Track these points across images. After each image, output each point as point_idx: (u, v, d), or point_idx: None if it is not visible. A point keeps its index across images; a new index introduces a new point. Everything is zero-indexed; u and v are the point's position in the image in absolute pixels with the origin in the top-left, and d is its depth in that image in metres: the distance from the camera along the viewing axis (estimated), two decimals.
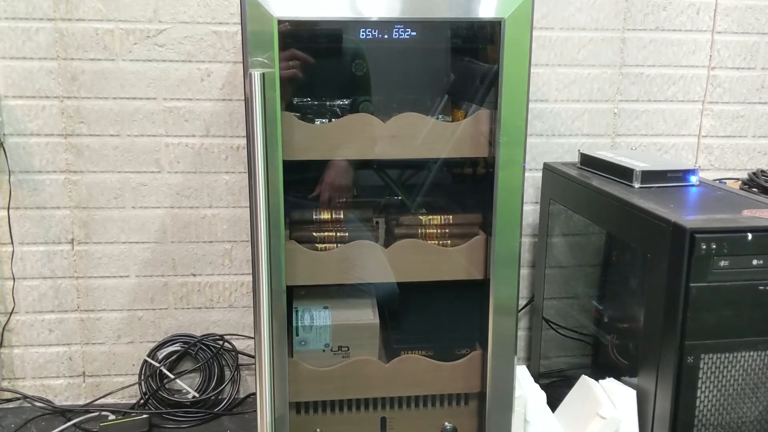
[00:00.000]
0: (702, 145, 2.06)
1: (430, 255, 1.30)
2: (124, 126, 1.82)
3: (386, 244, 1.32)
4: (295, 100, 1.41)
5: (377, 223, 1.37)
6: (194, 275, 1.93)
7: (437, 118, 1.30)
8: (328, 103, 1.44)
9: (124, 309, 1.93)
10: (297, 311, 1.31)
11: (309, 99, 1.41)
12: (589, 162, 1.79)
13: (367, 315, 1.31)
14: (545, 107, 1.97)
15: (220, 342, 1.95)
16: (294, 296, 1.33)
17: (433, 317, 1.40)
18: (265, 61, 1.14)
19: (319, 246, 1.29)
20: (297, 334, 1.30)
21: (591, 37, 1.94)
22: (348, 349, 1.31)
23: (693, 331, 1.31)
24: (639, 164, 1.62)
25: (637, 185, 1.59)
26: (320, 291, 1.33)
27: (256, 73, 1.08)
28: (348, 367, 1.31)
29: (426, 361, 1.35)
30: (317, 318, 1.29)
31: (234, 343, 1.97)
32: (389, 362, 1.34)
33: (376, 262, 1.27)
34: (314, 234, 1.29)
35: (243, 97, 1.15)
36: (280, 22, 1.13)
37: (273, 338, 1.19)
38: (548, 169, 1.85)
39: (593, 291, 1.94)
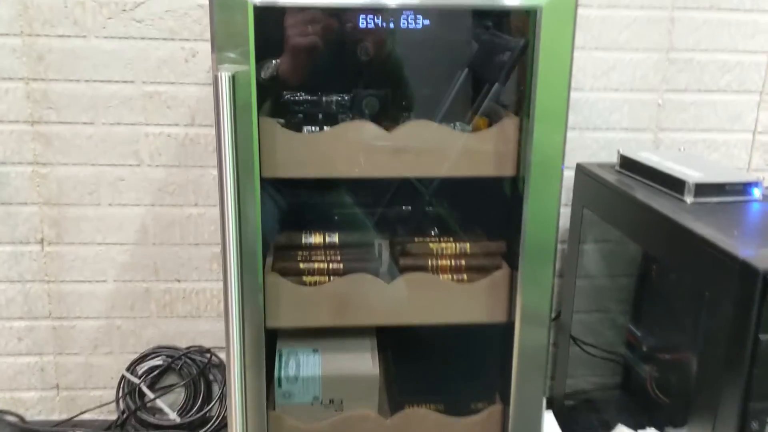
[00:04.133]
0: (758, 143, 1.80)
1: (442, 293, 1.07)
2: (99, 112, 1.61)
3: (390, 277, 1.09)
4: (285, 94, 1.17)
5: (380, 246, 1.14)
6: (179, 281, 1.73)
7: (454, 127, 1.05)
8: (324, 98, 1.20)
9: (101, 317, 1.74)
10: (281, 356, 1.09)
11: (301, 93, 1.17)
12: (630, 166, 1.54)
13: (365, 363, 1.09)
14: (579, 97, 1.71)
15: (208, 355, 1.75)
16: (278, 334, 1.11)
17: (445, 364, 1.18)
18: (238, 57, 0.90)
19: (308, 279, 1.06)
20: (280, 386, 1.08)
21: (635, 17, 1.68)
22: (342, 402, 1.09)
23: (761, 391, 1.08)
24: (692, 174, 1.37)
25: (689, 200, 1.34)
26: (310, 329, 1.11)
27: (224, 75, 0.84)
28: (341, 423, 1.09)
29: (436, 416, 1.13)
30: (305, 365, 1.07)
31: (222, 356, 1.76)
32: (391, 417, 1.12)
33: (377, 300, 1.05)
34: (302, 265, 1.07)
35: None
36: (257, 8, 0.89)
37: (248, 392, 0.98)
38: (582, 172, 1.61)
39: (627, 311, 1.72)
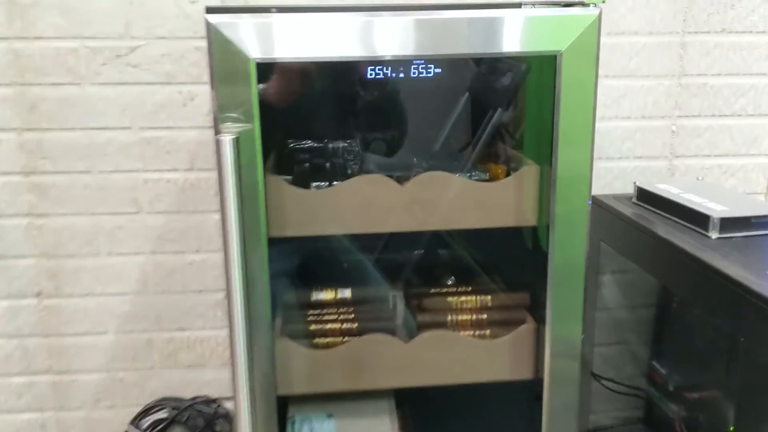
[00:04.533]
0: None
1: (464, 351, 1.01)
2: (95, 161, 1.56)
3: (407, 333, 1.03)
4: (290, 143, 1.11)
5: (394, 298, 1.08)
6: (182, 329, 1.67)
7: (469, 176, 1.00)
8: (330, 145, 1.15)
9: (103, 370, 1.68)
10: (293, 423, 1.03)
11: (306, 141, 1.12)
12: (647, 198, 1.48)
13: (383, 427, 1.02)
14: None
15: (214, 405, 1.68)
16: (290, 398, 1.05)
17: (469, 424, 1.12)
18: (240, 117, 0.84)
19: (320, 342, 1.00)
20: None
21: (645, 43, 1.63)
22: None
23: None
24: (715, 207, 1.31)
25: (714, 235, 1.28)
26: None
27: (225, 140, 0.79)
28: None
29: None
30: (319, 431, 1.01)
31: (229, 406, 1.70)
32: None
33: (394, 362, 0.99)
34: (312, 326, 1.01)
35: None
36: (259, 65, 0.84)
37: None
38: (598, 204, 1.55)
39: (649, 344, 1.66)
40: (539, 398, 0.99)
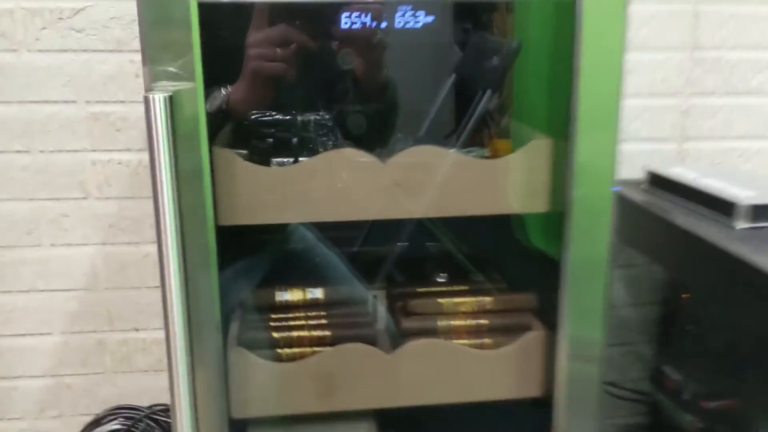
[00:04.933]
0: None
1: (459, 364, 0.84)
2: (35, 139, 1.37)
3: (390, 342, 0.85)
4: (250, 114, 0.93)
5: (374, 299, 0.90)
6: (137, 330, 1.50)
7: (468, 153, 0.82)
8: (299, 117, 0.96)
9: (48, 375, 1.50)
10: None
11: (269, 113, 0.93)
12: (661, 183, 1.32)
13: None
14: None
15: None
16: (246, 424, 0.87)
17: None
18: (179, 71, 0.66)
19: (285, 353, 0.82)
20: None
21: (654, 12, 1.47)
22: None
23: None
24: (741, 193, 1.15)
25: (741, 225, 1.12)
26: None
27: (157, 98, 0.60)
28: None
29: None
30: None
31: None
32: None
33: (376, 377, 0.81)
34: (276, 334, 0.83)
35: None
36: (202, 5, 0.65)
37: None
38: None
39: (658, 347, 1.50)
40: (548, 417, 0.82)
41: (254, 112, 0.93)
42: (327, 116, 0.98)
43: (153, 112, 0.62)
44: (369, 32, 0.82)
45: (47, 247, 1.44)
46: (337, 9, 0.83)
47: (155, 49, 0.66)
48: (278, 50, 0.87)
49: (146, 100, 0.62)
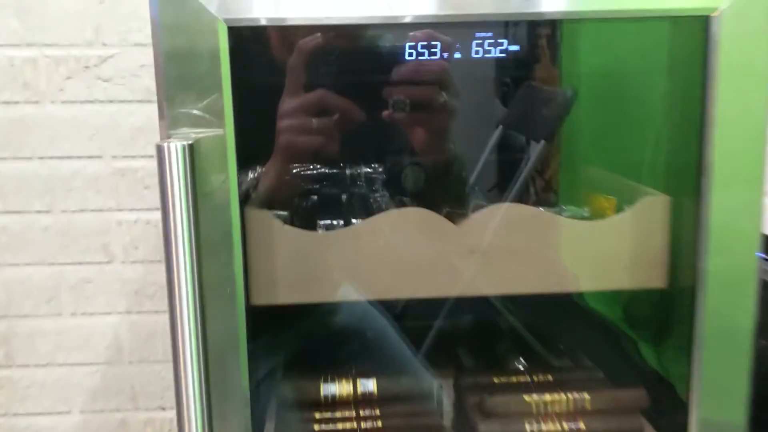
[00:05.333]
0: None
1: None
2: (57, 197, 1.26)
3: None
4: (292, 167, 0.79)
5: (439, 389, 0.73)
6: (163, 408, 1.37)
7: (561, 212, 0.66)
8: (347, 170, 0.82)
9: None
10: None
11: (313, 165, 0.79)
12: None
13: None
14: None
15: None
16: None
17: None
18: (202, 114, 0.52)
19: None
20: None
21: None
22: None
23: None
24: None
25: None
26: None
27: (172, 147, 0.46)
28: None
29: None
30: None
31: None
32: None
33: None
34: None
35: None
36: (232, 30, 0.51)
37: None
38: None
39: None
40: None
41: (296, 165, 0.79)
42: (380, 169, 0.84)
43: (167, 164, 0.47)
44: (431, 93, 0.69)
45: (67, 317, 1.33)
46: (393, 52, 0.69)
47: (174, 88, 0.53)
48: (315, 121, 0.73)
49: (159, 150, 0.48)
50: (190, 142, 0.49)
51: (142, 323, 1.33)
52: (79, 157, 1.27)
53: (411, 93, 0.74)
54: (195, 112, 0.53)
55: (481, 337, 0.86)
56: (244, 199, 0.62)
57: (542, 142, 0.86)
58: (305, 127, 0.73)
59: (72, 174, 1.27)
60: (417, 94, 0.75)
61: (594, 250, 0.64)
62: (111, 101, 1.25)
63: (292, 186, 0.73)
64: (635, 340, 0.80)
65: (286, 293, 0.61)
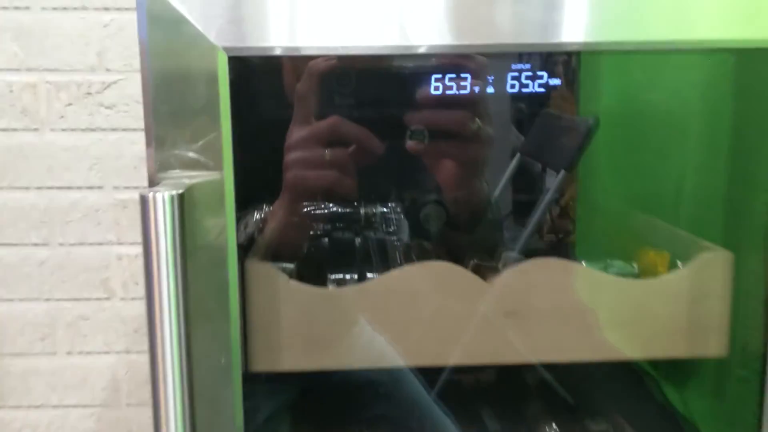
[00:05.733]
0: None
1: None
2: (55, 230, 1.21)
3: None
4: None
5: None
6: None
7: (608, 269, 0.58)
8: (362, 210, 0.75)
9: None
10: None
11: (324, 204, 0.72)
12: None
13: None
14: None
15: None
16: None
17: None
18: (197, 156, 0.44)
19: None
20: None
21: None
22: None
23: None
24: None
25: None
26: None
27: (159, 198, 0.39)
28: None
29: None
30: None
31: None
32: None
33: None
34: None
35: None
36: (233, 60, 0.44)
37: None
38: None
39: None
40: None
41: (305, 205, 0.71)
42: (398, 208, 0.76)
43: (152, 218, 0.40)
44: (462, 119, 0.61)
45: (63, 355, 1.26)
46: (417, 72, 0.61)
47: (165, 125, 0.46)
48: (328, 153, 0.65)
49: (143, 202, 0.40)
50: (180, 190, 0.42)
51: (141, 364, 1.26)
52: (79, 188, 1.21)
53: (437, 119, 0.66)
54: (188, 154, 0.46)
55: (506, 395, 0.78)
56: (245, 251, 0.54)
57: (562, 171, 0.81)
58: (316, 161, 0.65)
59: (71, 205, 1.21)
60: (444, 120, 0.66)
61: (645, 313, 0.56)
62: (114, 129, 1.19)
63: (300, 230, 0.65)
64: (657, 379, 0.73)
65: (291, 359, 0.53)
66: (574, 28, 0.48)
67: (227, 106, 0.46)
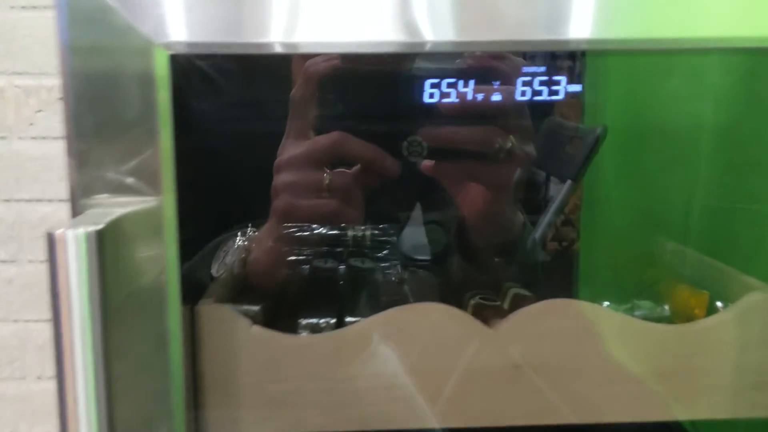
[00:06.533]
0: None
1: None
2: (24, 246, 1.12)
3: None
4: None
5: None
6: None
7: (633, 311, 0.49)
8: (350, 233, 0.66)
9: None
10: None
11: (299, 226, 0.63)
12: None
13: None
14: None
15: None
16: None
17: None
18: (128, 179, 0.35)
19: None
20: None
21: None
22: None
23: None
24: None
25: None
26: None
27: (68, 237, 0.30)
28: None
29: None
30: None
31: None
32: None
33: None
34: None
35: None
36: (175, 59, 0.35)
37: None
38: None
39: None
40: None
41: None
42: (391, 231, 0.67)
43: (62, 262, 0.31)
44: (489, 136, 0.51)
45: (32, 381, 1.18)
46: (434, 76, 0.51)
47: (90, 140, 0.37)
48: (328, 177, 0.54)
49: (49, 242, 0.31)
50: (99, 226, 0.33)
51: None
52: (50, 200, 1.14)
53: (460, 137, 0.55)
54: (117, 176, 0.37)
55: None
56: (198, 291, 0.45)
57: (569, 182, 0.78)
58: (313, 186, 0.54)
59: (41, 220, 1.14)
60: (469, 137, 0.55)
61: (682, 366, 0.47)
62: None
63: (284, 263, 0.56)
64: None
65: (252, 425, 0.44)
66: (581, 25, 0.39)
67: (167, 117, 0.37)
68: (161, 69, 0.36)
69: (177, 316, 0.39)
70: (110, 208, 0.37)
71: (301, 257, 0.61)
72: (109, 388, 0.33)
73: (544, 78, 0.46)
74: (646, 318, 0.51)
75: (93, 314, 0.32)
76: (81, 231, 0.32)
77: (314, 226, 0.65)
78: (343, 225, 0.66)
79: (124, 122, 0.37)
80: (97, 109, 0.37)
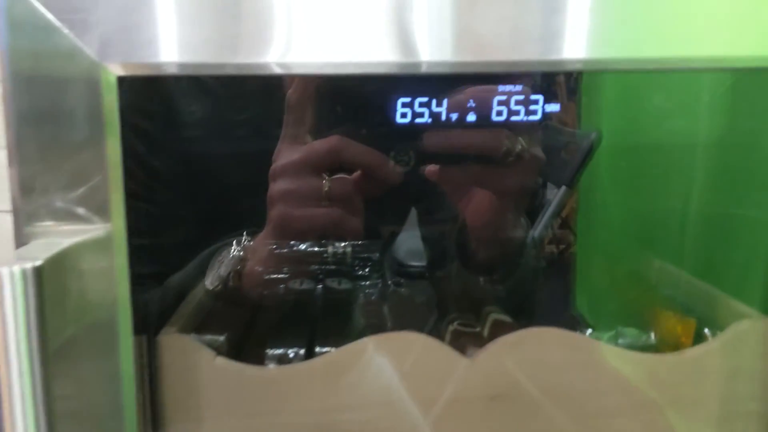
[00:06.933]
0: None
1: None
2: None
3: None
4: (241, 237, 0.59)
5: None
6: None
7: (616, 340, 0.46)
8: (330, 249, 0.63)
9: None
10: None
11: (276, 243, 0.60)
12: None
13: None
14: None
15: None
16: None
17: None
18: (75, 208, 0.33)
19: None
20: None
21: None
22: None
23: None
24: None
25: None
26: None
27: (9, 274, 0.27)
28: None
29: None
30: None
31: None
32: None
33: None
34: None
35: None
36: (124, 82, 0.32)
37: None
38: None
39: None
40: None
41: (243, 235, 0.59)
42: (373, 247, 0.64)
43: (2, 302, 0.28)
44: (496, 140, 0.48)
45: None
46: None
47: (33, 165, 0.34)
48: (327, 184, 0.51)
49: None
50: (37, 262, 0.30)
51: None
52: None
53: (467, 140, 0.51)
54: (63, 205, 0.34)
55: None
56: (162, 320, 0.42)
57: (563, 187, 0.75)
58: (310, 194, 0.51)
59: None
60: (476, 141, 0.52)
61: (668, 396, 0.44)
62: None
63: (269, 281, 0.53)
64: None
65: None
66: (575, 44, 0.37)
67: (116, 141, 0.34)
68: (109, 92, 0.34)
69: (129, 352, 0.36)
70: (56, 237, 0.34)
71: (278, 276, 0.58)
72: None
73: (520, 97, 0.44)
74: (630, 346, 0.48)
75: (31, 357, 0.30)
76: (16, 268, 0.29)
77: (292, 243, 0.62)
78: (323, 240, 0.63)
79: (69, 145, 0.35)
80: (41, 135, 0.34)
